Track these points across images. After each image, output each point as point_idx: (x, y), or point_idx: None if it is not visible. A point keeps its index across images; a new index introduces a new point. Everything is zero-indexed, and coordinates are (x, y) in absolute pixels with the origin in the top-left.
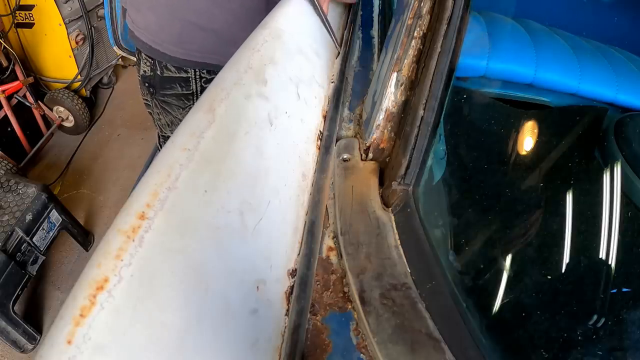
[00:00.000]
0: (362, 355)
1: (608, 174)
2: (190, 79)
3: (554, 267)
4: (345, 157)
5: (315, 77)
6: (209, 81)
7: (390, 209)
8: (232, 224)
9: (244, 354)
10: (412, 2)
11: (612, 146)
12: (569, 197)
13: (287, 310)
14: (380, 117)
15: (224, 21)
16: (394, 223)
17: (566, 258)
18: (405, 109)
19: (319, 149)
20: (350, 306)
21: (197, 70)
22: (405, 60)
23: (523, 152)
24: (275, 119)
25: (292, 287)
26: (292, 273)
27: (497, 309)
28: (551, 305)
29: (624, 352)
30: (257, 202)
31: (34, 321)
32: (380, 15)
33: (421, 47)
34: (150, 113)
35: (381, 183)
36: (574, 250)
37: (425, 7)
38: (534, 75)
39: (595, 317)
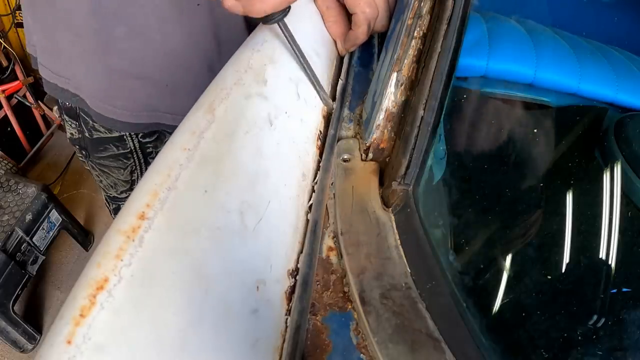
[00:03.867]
0: (362, 355)
1: (608, 174)
2: (125, 136)
3: (554, 267)
4: (345, 157)
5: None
6: (146, 136)
7: (390, 209)
8: (232, 224)
9: (245, 354)
10: (412, 2)
11: (612, 146)
12: (569, 197)
13: (287, 310)
14: (380, 117)
15: (162, 67)
16: (394, 223)
17: (566, 258)
18: (405, 109)
19: (319, 148)
20: (350, 306)
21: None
22: (405, 60)
23: (523, 152)
24: (275, 118)
25: (292, 287)
26: (292, 273)
27: (497, 309)
28: (551, 305)
29: (624, 352)
30: (257, 202)
31: (34, 321)
32: None
33: (421, 47)
34: (89, 170)
35: (381, 183)
36: (574, 250)
37: (425, 7)
38: (534, 75)
39: (595, 317)
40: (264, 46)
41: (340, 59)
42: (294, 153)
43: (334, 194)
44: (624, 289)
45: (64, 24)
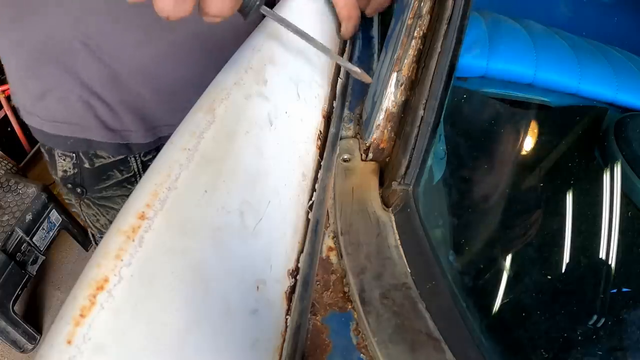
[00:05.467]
0: (362, 355)
1: (608, 174)
2: (129, 157)
3: (554, 267)
4: (345, 157)
5: (315, 76)
6: (147, 154)
7: (391, 209)
8: (232, 224)
9: (244, 354)
10: (412, 2)
11: (612, 146)
12: (569, 197)
13: (287, 310)
14: (380, 117)
15: (159, 90)
16: (394, 223)
17: (566, 258)
18: (405, 109)
19: (319, 148)
20: (350, 306)
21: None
22: (405, 60)
23: (523, 152)
24: (275, 118)
25: (292, 287)
26: (293, 273)
27: (497, 309)
28: (551, 305)
29: (624, 352)
30: (257, 202)
31: (34, 321)
32: (380, 15)
33: (421, 47)
34: (77, 213)
35: (381, 183)
36: (574, 250)
37: (425, 7)
38: (534, 75)
39: (595, 317)
40: (264, 46)
41: None
42: (294, 153)
43: (334, 194)
44: (624, 289)
45: (54, 64)
